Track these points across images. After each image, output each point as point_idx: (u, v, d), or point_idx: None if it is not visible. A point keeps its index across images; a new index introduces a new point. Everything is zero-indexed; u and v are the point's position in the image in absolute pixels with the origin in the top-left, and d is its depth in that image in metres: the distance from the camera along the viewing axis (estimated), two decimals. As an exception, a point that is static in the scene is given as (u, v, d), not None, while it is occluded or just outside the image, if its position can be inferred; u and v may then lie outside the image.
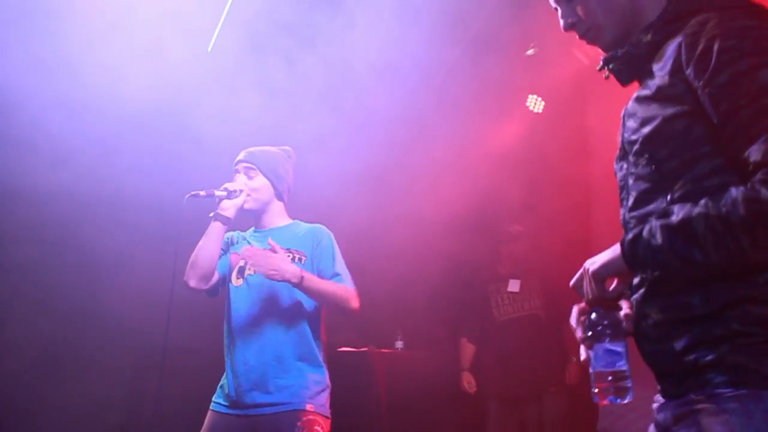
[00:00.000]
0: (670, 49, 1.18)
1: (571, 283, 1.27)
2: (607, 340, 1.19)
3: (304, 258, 2.54)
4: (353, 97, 3.71)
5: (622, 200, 1.29)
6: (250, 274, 2.54)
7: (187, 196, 2.49)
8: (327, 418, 2.44)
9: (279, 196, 2.64)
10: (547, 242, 4.07)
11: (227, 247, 2.63)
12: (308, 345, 2.48)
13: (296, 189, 2.74)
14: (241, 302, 2.51)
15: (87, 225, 3.44)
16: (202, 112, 3.37)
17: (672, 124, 1.15)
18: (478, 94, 4.26)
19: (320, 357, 2.50)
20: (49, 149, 3.28)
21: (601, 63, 1.34)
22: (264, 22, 3.48)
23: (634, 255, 1.15)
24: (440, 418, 4.10)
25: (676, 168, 1.15)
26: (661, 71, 1.18)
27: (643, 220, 1.19)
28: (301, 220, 2.68)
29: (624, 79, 1.33)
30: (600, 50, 1.37)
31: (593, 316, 1.22)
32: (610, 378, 1.18)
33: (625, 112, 1.27)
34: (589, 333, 1.21)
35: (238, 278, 2.55)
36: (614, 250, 1.18)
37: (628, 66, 1.29)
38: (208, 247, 2.49)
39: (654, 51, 1.23)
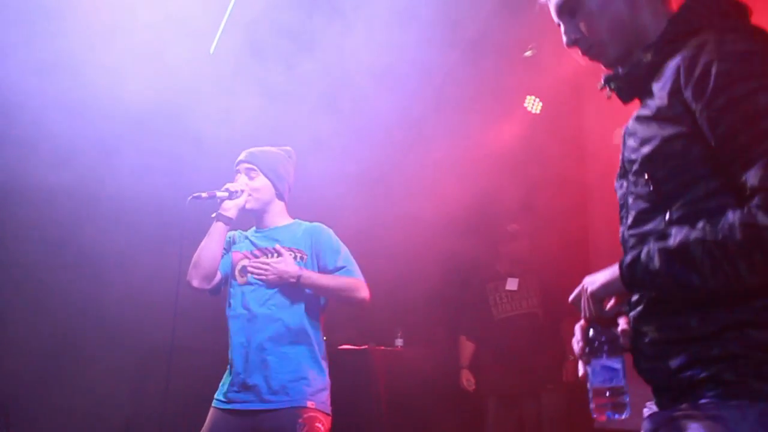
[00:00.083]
0: (670, 69, 1.18)
1: (570, 298, 1.28)
2: (605, 356, 1.20)
3: (305, 257, 2.56)
4: (352, 99, 3.73)
5: (621, 218, 1.30)
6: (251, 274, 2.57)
7: (189, 199, 2.52)
8: (327, 415, 2.47)
9: (280, 196, 2.66)
10: (545, 241, 4.09)
11: (229, 246, 2.66)
12: (309, 342, 2.50)
13: (296, 190, 2.76)
14: (244, 300, 2.53)
15: (87, 225, 3.46)
16: (202, 113, 3.38)
17: (670, 144, 1.15)
18: (476, 96, 4.27)
19: (321, 354, 2.53)
20: (50, 149, 3.28)
21: (602, 81, 1.35)
22: (264, 26, 3.50)
23: (632, 277, 1.16)
24: (439, 415, 4.13)
25: (674, 188, 1.16)
26: (660, 92, 1.19)
27: (641, 238, 1.21)
28: (301, 220, 2.72)
29: (625, 97, 1.33)
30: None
31: (591, 332, 1.23)
32: (607, 393, 1.19)
33: (626, 130, 1.27)
34: (587, 349, 1.23)
35: (241, 277, 2.58)
36: (613, 272, 1.19)
37: (629, 85, 1.29)
38: (210, 248, 2.52)
39: (654, 71, 1.23)
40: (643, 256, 1.14)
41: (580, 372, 1.26)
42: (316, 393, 2.45)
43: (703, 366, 1.10)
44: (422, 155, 4.26)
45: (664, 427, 1.16)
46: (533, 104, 4.62)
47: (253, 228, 2.70)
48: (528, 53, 4.26)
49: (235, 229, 2.69)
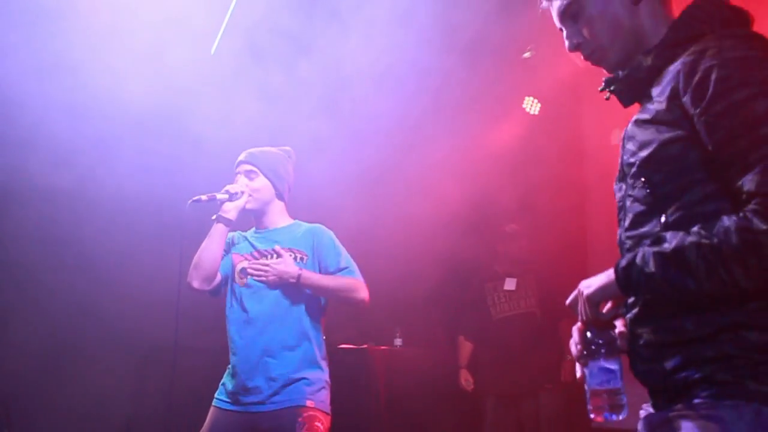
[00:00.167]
0: (670, 74, 1.19)
1: (567, 302, 1.30)
2: (602, 358, 1.22)
3: (305, 257, 2.57)
4: (352, 100, 3.74)
5: (619, 220, 1.31)
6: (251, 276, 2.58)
7: (189, 202, 2.53)
8: (327, 414, 2.48)
9: (280, 196, 2.67)
10: (544, 242, 4.11)
11: (229, 247, 2.66)
12: (309, 343, 2.52)
13: (296, 191, 2.77)
14: (244, 301, 2.54)
15: (87, 226, 3.47)
16: (202, 115, 3.39)
17: (668, 148, 1.16)
18: (475, 97, 4.29)
19: (321, 354, 2.55)
20: (51, 150, 3.28)
21: (603, 84, 1.36)
22: (264, 28, 3.51)
23: (628, 281, 1.17)
24: (438, 414, 4.14)
25: (670, 192, 1.17)
26: (659, 96, 1.20)
27: (638, 241, 1.22)
28: (301, 221, 2.73)
29: (625, 101, 1.34)
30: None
31: (588, 335, 1.24)
32: (605, 395, 1.20)
33: (625, 134, 1.28)
34: (584, 351, 1.24)
35: (241, 278, 2.60)
36: (608, 275, 1.20)
37: (628, 88, 1.31)
38: (211, 249, 2.54)
39: (654, 75, 1.24)
40: (638, 259, 1.15)
41: (578, 373, 1.28)
42: (316, 392, 2.46)
43: (697, 367, 1.11)
44: (421, 156, 4.27)
45: (659, 428, 1.17)
46: (532, 105, 4.63)
47: (253, 229, 2.71)
48: (526, 54, 4.28)
49: (235, 230, 2.70)
